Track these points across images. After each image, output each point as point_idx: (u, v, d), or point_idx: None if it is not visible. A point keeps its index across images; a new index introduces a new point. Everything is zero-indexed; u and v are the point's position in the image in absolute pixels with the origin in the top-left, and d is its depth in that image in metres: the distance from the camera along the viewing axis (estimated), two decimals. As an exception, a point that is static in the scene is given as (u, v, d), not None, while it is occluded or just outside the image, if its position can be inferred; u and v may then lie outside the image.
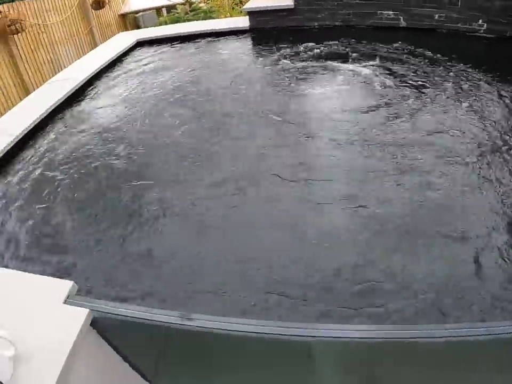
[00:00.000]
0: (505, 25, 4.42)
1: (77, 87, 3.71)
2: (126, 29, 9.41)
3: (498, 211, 2.03)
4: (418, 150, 2.56)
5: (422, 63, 3.82)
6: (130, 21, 9.65)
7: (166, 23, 7.08)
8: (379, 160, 2.51)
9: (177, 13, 7.21)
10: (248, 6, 4.54)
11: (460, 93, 3.25)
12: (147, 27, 9.90)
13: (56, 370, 1.15)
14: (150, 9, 9.64)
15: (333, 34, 4.40)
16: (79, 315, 1.30)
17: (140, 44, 4.77)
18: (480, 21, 4.48)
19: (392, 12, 4.46)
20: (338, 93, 3.41)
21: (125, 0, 9.44)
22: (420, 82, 3.45)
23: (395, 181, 2.31)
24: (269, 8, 4.47)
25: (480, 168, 2.35)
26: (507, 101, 3.09)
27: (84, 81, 3.83)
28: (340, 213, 2.12)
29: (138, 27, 9.90)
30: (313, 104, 3.30)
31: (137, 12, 9.65)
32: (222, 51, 4.45)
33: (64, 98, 3.51)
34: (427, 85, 3.40)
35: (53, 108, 3.34)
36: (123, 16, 9.41)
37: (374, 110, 3.06)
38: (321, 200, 2.21)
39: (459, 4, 4.39)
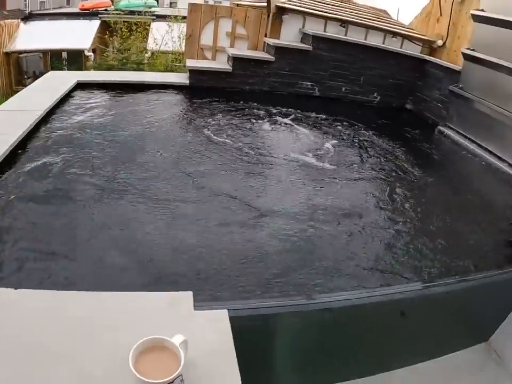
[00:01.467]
0: (392, 98, 5.82)
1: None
2: (9, 70, 8.89)
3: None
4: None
5: (328, 121, 4.93)
6: (13, 60, 9.16)
7: (96, 69, 7.06)
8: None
9: (108, 61, 7.27)
10: (191, 64, 5.05)
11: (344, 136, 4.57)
12: (28, 72, 9.51)
13: (234, 367, 1.18)
14: (37, 51, 9.32)
15: (261, 97, 5.20)
16: (220, 316, 1.37)
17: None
18: (375, 94, 5.80)
19: (310, 83, 5.49)
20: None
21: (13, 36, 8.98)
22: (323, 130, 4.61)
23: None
24: (209, 69, 5.07)
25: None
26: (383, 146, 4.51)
27: None
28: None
29: (20, 69, 9.42)
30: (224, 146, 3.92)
31: (21, 52, 9.25)
32: (157, 101, 4.81)
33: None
34: (332, 133, 4.60)
35: None
36: (7, 54, 8.90)
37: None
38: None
39: (361, 80, 5.65)
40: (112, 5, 14.10)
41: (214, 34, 5.58)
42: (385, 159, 4.22)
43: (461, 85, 5.00)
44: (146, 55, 8.44)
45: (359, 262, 2.56)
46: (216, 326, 1.33)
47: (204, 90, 5.03)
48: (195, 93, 5.00)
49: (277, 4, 5.23)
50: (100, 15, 12.32)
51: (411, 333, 2.22)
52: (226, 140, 3.93)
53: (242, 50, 5.55)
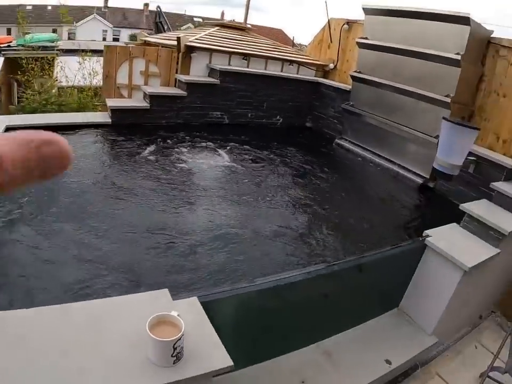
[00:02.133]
0: (294, 119, 6.61)
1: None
2: None
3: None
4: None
5: (239, 143, 5.65)
6: None
7: (20, 112, 7.03)
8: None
9: (28, 102, 7.26)
10: (112, 104, 5.41)
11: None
12: None
13: (212, 330, 1.70)
14: None
15: (176, 128, 5.72)
16: (193, 301, 1.84)
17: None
18: (278, 116, 6.55)
19: (219, 113, 6.11)
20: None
21: None
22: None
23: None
24: (129, 107, 5.48)
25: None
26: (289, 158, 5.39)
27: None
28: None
29: None
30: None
31: None
32: (86, 141, 5.12)
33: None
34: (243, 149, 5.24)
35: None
36: None
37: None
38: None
39: (264, 106, 6.38)
40: (15, 40, 13.71)
41: (129, 73, 6.00)
42: (292, 166, 5.22)
43: (351, 103, 5.90)
44: (55, 91, 8.46)
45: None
46: (192, 309, 1.80)
47: (125, 127, 5.42)
48: (117, 130, 5.37)
49: (186, 44, 5.78)
50: (3, 52, 11.98)
51: (337, 306, 2.86)
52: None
53: (156, 87, 6.01)
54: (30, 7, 24.67)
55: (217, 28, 7.18)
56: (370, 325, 3.14)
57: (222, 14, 33.66)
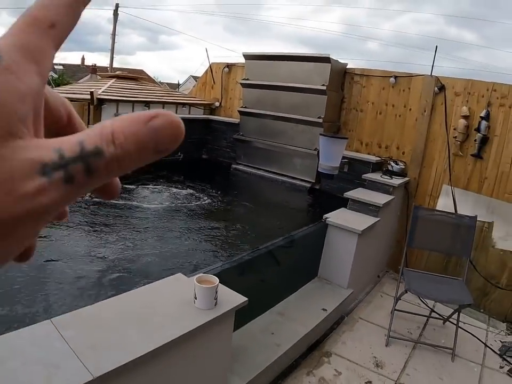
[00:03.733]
0: (192, 153, 7.52)
1: None
2: None
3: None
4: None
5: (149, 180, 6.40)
6: None
7: None
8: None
9: None
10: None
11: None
12: None
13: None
14: None
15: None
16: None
17: None
18: (179, 153, 7.40)
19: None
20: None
21: None
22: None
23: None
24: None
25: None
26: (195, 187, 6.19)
27: None
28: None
29: None
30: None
31: None
32: None
33: None
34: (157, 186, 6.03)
35: None
36: None
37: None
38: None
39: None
40: None
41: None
42: (198, 192, 6.10)
43: (241, 133, 7.06)
44: None
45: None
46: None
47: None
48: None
49: (97, 97, 6.35)
50: None
51: (280, 280, 3.83)
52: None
53: None
54: None
55: (114, 79, 7.81)
56: (302, 291, 4.19)
57: (83, 58, 33.39)
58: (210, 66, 8.11)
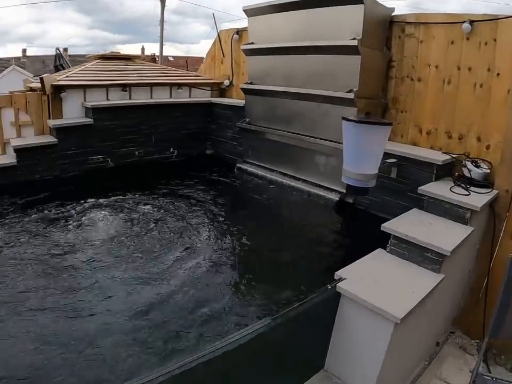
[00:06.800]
0: (190, 148, 5.70)
1: None
2: None
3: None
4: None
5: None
6: None
7: None
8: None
9: None
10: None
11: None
12: None
13: None
14: None
15: (53, 184, 4.66)
16: None
17: None
18: (171, 149, 5.60)
19: (100, 156, 5.06)
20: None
21: None
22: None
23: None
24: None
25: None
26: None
27: None
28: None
29: None
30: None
31: None
32: None
33: None
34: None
35: None
36: None
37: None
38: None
39: (153, 139, 5.42)
40: None
41: (-1, 126, 4.85)
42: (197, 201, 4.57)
43: (247, 119, 5.07)
44: None
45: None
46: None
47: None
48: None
49: (52, 84, 4.76)
50: None
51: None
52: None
53: (30, 138, 4.90)
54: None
55: (96, 61, 6.19)
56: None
57: (143, 48, 32.78)
58: (218, 34, 6.16)
